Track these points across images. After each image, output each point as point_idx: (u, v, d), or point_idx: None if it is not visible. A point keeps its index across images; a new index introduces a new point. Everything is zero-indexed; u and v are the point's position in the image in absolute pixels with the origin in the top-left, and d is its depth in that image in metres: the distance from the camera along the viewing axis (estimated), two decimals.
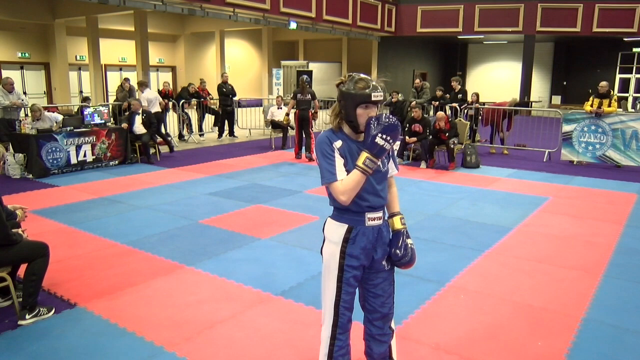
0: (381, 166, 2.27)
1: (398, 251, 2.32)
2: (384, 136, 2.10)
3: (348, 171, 2.18)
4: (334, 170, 2.17)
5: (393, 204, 2.43)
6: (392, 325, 2.47)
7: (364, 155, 2.13)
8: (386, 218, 2.38)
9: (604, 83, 9.40)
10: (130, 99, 10.34)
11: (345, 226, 2.26)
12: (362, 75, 2.21)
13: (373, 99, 2.13)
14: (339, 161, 2.18)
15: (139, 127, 9.35)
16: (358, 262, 2.30)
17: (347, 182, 2.15)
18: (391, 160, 2.39)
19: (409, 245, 2.34)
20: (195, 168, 8.79)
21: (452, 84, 11.75)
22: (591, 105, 9.41)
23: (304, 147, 10.08)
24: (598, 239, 5.18)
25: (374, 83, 2.17)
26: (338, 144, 2.21)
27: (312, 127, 10.04)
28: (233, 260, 4.48)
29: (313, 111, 9.96)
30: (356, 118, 2.17)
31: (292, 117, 10.39)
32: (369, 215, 2.26)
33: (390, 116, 2.14)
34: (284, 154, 10.59)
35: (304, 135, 9.99)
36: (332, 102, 17.05)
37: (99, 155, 8.75)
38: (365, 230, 2.27)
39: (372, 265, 2.35)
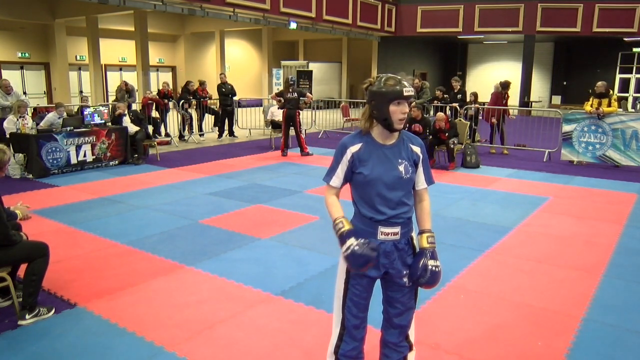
0: (403, 173, 2.22)
1: (416, 271, 2.24)
2: (349, 261, 2.16)
3: (361, 174, 2.22)
4: (333, 173, 2.30)
5: (422, 220, 2.35)
6: (411, 339, 2.43)
7: (342, 230, 2.19)
8: (412, 234, 2.32)
9: (600, 83, 9.42)
10: (119, 102, 10.34)
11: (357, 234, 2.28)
12: (390, 75, 2.21)
13: (405, 94, 2.14)
14: (343, 168, 2.27)
15: (130, 127, 9.35)
16: (368, 273, 2.28)
17: (328, 202, 2.31)
18: (422, 171, 2.32)
19: (429, 267, 2.22)
20: (195, 168, 8.79)
21: (452, 84, 11.76)
22: (591, 106, 9.42)
23: (298, 148, 10.12)
24: (598, 239, 5.18)
25: (403, 81, 2.18)
26: (355, 147, 2.25)
27: (300, 125, 10.07)
28: (233, 260, 4.48)
29: (305, 102, 10.15)
30: (390, 115, 2.16)
31: (280, 116, 10.47)
32: (382, 229, 2.24)
33: (355, 248, 2.13)
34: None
35: (291, 134, 10.12)
36: (331, 102, 17.15)
37: (99, 155, 8.74)
38: (375, 244, 2.25)
39: (390, 279, 2.32)
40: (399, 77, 2.17)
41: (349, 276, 2.32)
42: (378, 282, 2.37)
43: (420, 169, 2.31)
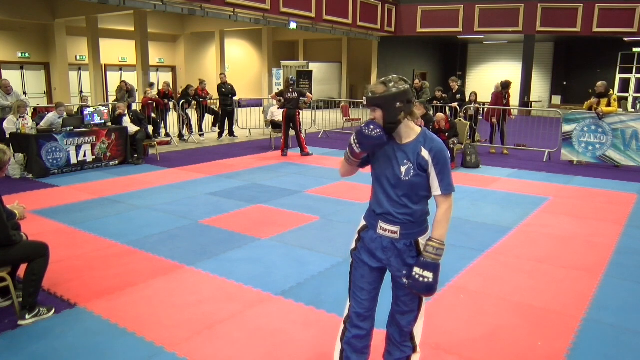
0: (403, 174, 2.21)
1: (405, 277, 2.26)
2: (355, 139, 2.22)
3: (372, 166, 2.35)
4: None
5: (433, 227, 2.28)
6: (417, 341, 2.43)
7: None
8: (419, 238, 2.28)
9: (600, 83, 9.49)
10: (119, 102, 10.34)
11: (364, 222, 2.41)
12: (384, 79, 2.24)
13: (365, 103, 2.26)
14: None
15: (130, 127, 9.37)
16: (367, 261, 2.36)
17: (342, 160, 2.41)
18: (435, 177, 2.22)
19: (414, 274, 2.21)
20: (195, 168, 8.79)
21: (450, 84, 11.76)
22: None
23: (298, 148, 10.12)
24: (598, 239, 5.18)
25: (372, 89, 2.24)
26: None
27: (300, 125, 10.06)
28: (233, 260, 4.48)
29: (305, 101, 10.16)
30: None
31: (280, 116, 10.48)
32: (381, 224, 2.29)
33: (374, 128, 2.16)
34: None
35: (291, 134, 10.14)
36: (331, 102, 17.15)
37: (99, 155, 8.74)
38: (374, 236, 2.32)
39: (393, 277, 2.37)
40: (376, 83, 2.23)
41: (352, 261, 2.43)
42: (388, 281, 2.41)
43: (433, 174, 2.21)
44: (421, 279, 2.19)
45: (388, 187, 2.26)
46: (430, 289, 2.20)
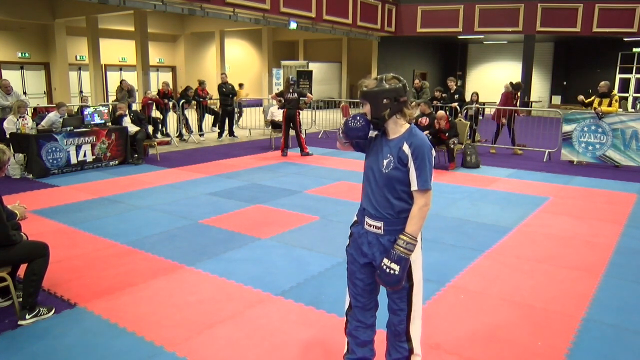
0: (384, 167, 2.27)
1: (378, 269, 2.30)
2: (342, 128, 2.40)
3: (365, 160, 2.45)
4: None
5: (408, 222, 2.27)
6: (414, 344, 2.41)
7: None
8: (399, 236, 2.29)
9: (602, 83, 9.52)
10: (120, 102, 10.36)
11: (355, 218, 2.50)
12: (378, 75, 2.34)
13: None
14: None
15: (130, 127, 9.37)
16: (356, 257, 2.43)
17: None
18: (414, 172, 2.23)
19: (382, 266, 2.25)
20: (195, 168, 8.79)
21: (448, 84, 11.76)
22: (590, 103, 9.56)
23: (298, 148, 10.12)
24: (598, 239, 5.18)
25: (364, 83, 2.36)
26: (373, 134, 2.41)
27: (300, 125, 10.06)
28: (233, 260, 4.48)
29: (305, 102, 10.16)
30: None
31: (280, 116, 10.48)
32: (367, 219, 2.37)
33: (359, 120, 2.32)
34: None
35: (291, 134, 10.15)
36: (331, 102, 17.16)
37: (99, 155, 8.74)
38: (361, 231, 2.40)
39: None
40: (365, 79, 2.36)
41: (347, 254, 2.50)
42: None
43: (412, 169, 2.24)
44: (388, 270, 2.24)
45: (372, 181, 2.33)
46: (395, 281, 2.24)
